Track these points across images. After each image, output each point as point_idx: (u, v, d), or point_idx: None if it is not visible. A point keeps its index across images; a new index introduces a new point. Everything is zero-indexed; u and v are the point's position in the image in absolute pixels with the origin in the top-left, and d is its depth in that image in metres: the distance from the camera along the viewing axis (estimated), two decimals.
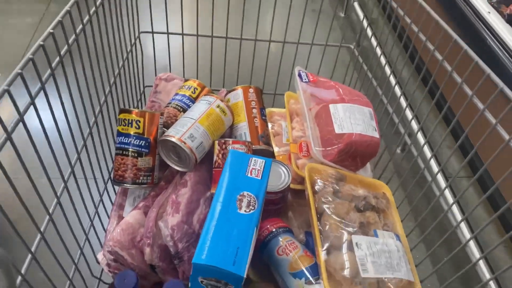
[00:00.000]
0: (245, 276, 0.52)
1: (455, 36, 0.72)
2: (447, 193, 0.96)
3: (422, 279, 0.71)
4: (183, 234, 0.73)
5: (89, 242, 0.74)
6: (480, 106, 0.65)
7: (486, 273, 0.82)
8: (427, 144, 1.01)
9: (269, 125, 0.95)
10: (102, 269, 0.80)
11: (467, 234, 0.88)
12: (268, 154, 0.89)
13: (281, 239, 0.73)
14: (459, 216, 0.93)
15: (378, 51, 1.06)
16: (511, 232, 0.59)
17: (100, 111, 0.74)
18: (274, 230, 0.75)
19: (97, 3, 0.71)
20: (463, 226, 0.86)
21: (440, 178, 1.00)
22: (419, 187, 0.86)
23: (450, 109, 1.27)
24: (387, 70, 1.04)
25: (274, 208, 0.82)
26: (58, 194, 0.61)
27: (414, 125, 1.16)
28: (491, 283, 0.74)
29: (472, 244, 0.85)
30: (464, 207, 1.09)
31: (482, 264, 0.82)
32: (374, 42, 1.10)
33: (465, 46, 0.70)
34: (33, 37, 1.63)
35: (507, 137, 0.60)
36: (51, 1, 1.85)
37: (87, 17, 0.66)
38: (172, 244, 0.72)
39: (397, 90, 1.09)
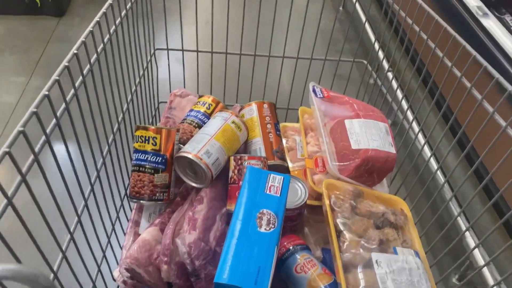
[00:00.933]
0: None
1: (464, 43, 0.71)
2: (453, 203, 0.95)
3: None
4: (200, 251, 0.73)
5: (106, 259, 0.73)
6: (490, 109, 0.65)
7: (490, 278, 0.82)
8: (434, 155, 1.00)
9: (283, 140, 0.95)
10: (118, 286, 0.79)
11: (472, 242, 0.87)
12: (283, 169, 0.88)
13: (298, 257, 0.73)
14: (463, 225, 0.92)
15: (385, 65, 1.06)
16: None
17: (119, 128, 0.75)
18: (291, 247, 0.74)
19: (116, 22, 0.72)
20: (467, 234, 0.85)
21: (446, 188, 0.99)
22: (427, 199, 0.85)
23: (448, 107, 1.27)
24: (394, 84, 1.04)
25: (291, 224, 0.81)
26: (79, 213, 0.62)
27: (421, 138, 1.16)
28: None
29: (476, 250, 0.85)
30: (469, 215, 1.09)
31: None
32: (381, 55, 1.11)
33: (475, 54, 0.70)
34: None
35: None
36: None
37: (107, 36, 0.67)
38: (189, 261, 0.72)
39: (404, 104, 1.08)
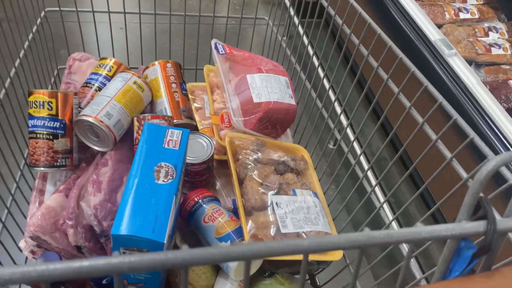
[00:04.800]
0: (165, 242, 0.54)
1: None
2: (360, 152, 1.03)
3: (339, 230, 0.77)
4: (107, 212, 0.73)
5: (8, 230, 0.71)
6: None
7: (389, 215, 0.92)
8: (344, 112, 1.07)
9: (191, 99, 0.96)
10: (27, 257, 0.77)
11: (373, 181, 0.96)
12: (191, 128, 0.90)
13: (207, 208, 0.75)
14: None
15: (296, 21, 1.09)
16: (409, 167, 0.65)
17: (6, 93, 0.71)
18: (199, 200, 0.77)
19: None
20: (370, 175, 0.93)
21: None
22: (337, 152, 0.92)
23: (363, 75, 1.36)
24: (305, 40, 1.08)
25: (201, 179, 0.83)
26: None
27: (331, 95, 1.22)
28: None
29: (377, 190, 0.94)
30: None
31: (386, 208, 0.91)
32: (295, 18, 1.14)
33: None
34: None
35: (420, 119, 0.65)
36: None
37: None
38: (96, 223, 0.72)
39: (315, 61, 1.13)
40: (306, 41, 1.04)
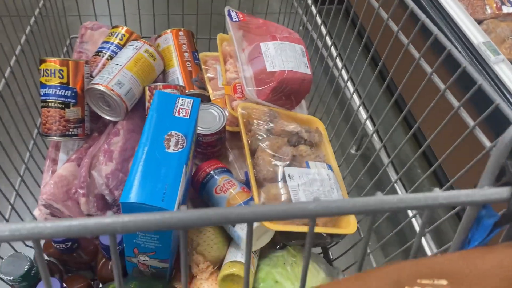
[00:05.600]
0: (175, 210, 0.53)
1: None
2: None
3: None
4: (119, 181, 0.72)
5: (21, 198, 0.72)
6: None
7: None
8: (350, 79, 1.02)
9: (204, 70, 0.94)
10: None
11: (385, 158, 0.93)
12: (204, 98, 0.88)
13: (218, 179, 0.74)
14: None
15: None
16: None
17: (17, 60, 0.70)
18: (211, 171, 0.76)
19: None
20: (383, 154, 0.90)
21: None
22: (345, 121, 0.89)
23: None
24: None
25: (213, 150, 0.82)
26: None
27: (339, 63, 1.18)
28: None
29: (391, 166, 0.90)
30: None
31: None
32: None
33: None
34: None
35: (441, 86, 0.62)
36: None
37: None
38: (108, 192, 0.72)
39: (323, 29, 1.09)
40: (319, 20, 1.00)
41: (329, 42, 0.95)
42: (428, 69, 0.62)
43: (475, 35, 1.05)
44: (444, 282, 0.23)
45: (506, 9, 1.23)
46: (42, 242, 0.73)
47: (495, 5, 1.23)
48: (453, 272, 0.24)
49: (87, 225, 0.19)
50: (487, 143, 0.50)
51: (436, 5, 1.14)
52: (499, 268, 0.24)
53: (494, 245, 0.26)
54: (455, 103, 0.56)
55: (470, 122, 0.52)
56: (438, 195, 0.24)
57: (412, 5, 0.66)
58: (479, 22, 1.18)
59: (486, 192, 0.24)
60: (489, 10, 1.22)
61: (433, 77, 0.60)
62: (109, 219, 0.20)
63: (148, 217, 0.20)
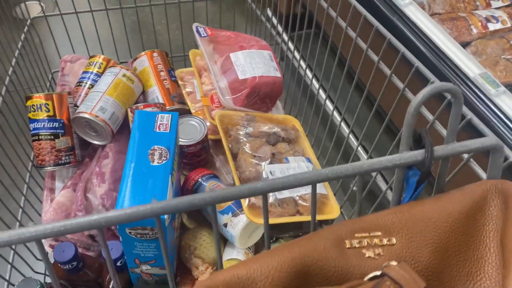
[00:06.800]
0: (166, 217, 0.58)
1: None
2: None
3: (334, 191, 0.80)
4: (113, 200, 0.77)
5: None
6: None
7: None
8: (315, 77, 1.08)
9: (182, 85, 0.99)
10: (47, 252, 0.83)
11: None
12: (184, 112, 0.93)
13: (206, 185, 0.79)
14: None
15: None
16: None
17: (4, 101, 0.75)
18: (199, 179, 0.81)
19: None
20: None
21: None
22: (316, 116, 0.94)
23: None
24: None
25: (198, 159, 0.87)
26: None
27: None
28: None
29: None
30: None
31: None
32: None
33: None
34: None
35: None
36: None
37: None
38: (104, 211, 0.76)
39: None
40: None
41: (297, 56, 1.01)
42: (388, 71, 0.67)
43: (470, 67, 0.97)
44: (378, 233, 0.28)
45: (492, 26, 1.16)
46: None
47: (480, 23, 1.16)
48: (385, 225, 0.29)
49: (79, 223, 0.24)
50: (430, 116, 0.56)
51: (423, 38, 1.07)
52: (423, 215, 0.29)
53: (422, 199, 0.31)
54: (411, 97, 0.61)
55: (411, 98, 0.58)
56: (364, 162, 0.29)
57: (390, 37, 0.69)
58: (467, 44, 1.13)
59: (404, 156, 0.29)
60: (475, 30, 1.15)
61: (393, 77, 0.66)
62: (96, 216, 0.25)
63: (126, 211, 0.24)
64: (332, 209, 0.76)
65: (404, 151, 0.30)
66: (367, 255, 0.27)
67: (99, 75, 0.92)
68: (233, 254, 0.75)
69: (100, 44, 1.06)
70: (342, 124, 0.87)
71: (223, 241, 0.79)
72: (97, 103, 0.80)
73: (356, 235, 0.28)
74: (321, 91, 0.94)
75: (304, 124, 0.92)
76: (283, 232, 0.79)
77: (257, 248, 0.80)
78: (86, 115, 0.78)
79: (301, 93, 0.98)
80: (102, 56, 0.95)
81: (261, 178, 0.75)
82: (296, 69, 1.00)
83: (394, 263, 0.26)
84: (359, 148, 0.82)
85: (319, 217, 0.75)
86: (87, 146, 0.88)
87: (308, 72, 0.99)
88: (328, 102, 1.07)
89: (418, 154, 0.29)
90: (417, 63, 0.57)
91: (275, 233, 0.79)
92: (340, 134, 0.89)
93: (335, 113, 0.98)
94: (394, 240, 0.28)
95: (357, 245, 0.27)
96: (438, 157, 0.29)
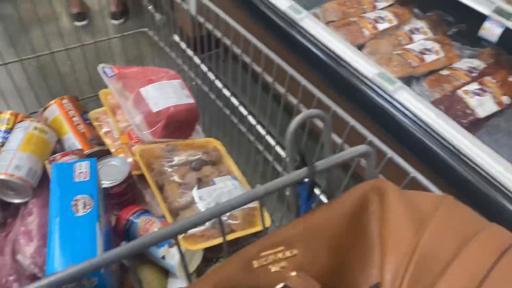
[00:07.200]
0: None
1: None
2: None
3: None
4: (45, 257, 0.75)
5: None
6: None
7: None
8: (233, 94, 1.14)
9: (98, 126, 0.99)
10: None
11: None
12: (104, 153, 0.93)
13: (138, 222, 0.80)
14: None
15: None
16: None
17: None
18: (130, 217, 0.81)
19: None
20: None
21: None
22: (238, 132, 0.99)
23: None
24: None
25: (126, 198, 0.88)
26: None
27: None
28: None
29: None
30: None
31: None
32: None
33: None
34: None
35: None
36: None
37: None
38: (38, 270, 0.74)
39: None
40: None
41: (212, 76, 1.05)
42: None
43: (367, 68, 1.08)
44: (281, 247, 0.33)
45: (381, 26, 1.28)
46: None
47: (370, 25, 1.28)
48: (286, 238, 0.33)
49: None
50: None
51: (321, 47, 1.17)
52: (316, 223, 0.34)
53: (314, 209, 0.36)
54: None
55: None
56: (262, 187, 0.33)
57: (290, 70, 0.75)
58: (362, 45, 1.23)
59: (291, 176, 0.34)
60: (366, 32, 1.26)
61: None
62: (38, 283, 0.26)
63: (61, 274, 0.26)
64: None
65: (291, 171, 0.35)
66: (273, 270, 0.31)
67: (9, 131, 0.89)
68: (178, 283, 0.77)
69: (4, 99, 1.03)
70: (258, 126, 0.92)
71: (165, 272, 0.80)
72: (11, 161, 0.78)
73: (261, 254, 0.32)
74: (241, 107, 0.98)
75: (229, 140, 0.96)
76: (219, 252, 0.82)
77: (200, 271, 0.82)
78: (1, 176, 0.76)
79: (219, 112, 1.02)
80: (9, 111, 0.92)
81: (193, 204, 0.78)
82: (212, 89, 1.04)
83: (293, 273, 0.30)
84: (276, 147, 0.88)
85: (252, 230, 0.79)
86: (7, 206, 0.85)
87: (225, 91, 1.03)
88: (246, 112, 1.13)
89: (302, 172, 0.34)
90: (303, 82, 0.63)
91: (214, 254, 0.82)
92: (259, 135, 0.93)
93: (250, 117, 1.02)
94: (295, 251, 0.32)
95: (264, 263, 0.31)
96: (320, 170, 0.34)
